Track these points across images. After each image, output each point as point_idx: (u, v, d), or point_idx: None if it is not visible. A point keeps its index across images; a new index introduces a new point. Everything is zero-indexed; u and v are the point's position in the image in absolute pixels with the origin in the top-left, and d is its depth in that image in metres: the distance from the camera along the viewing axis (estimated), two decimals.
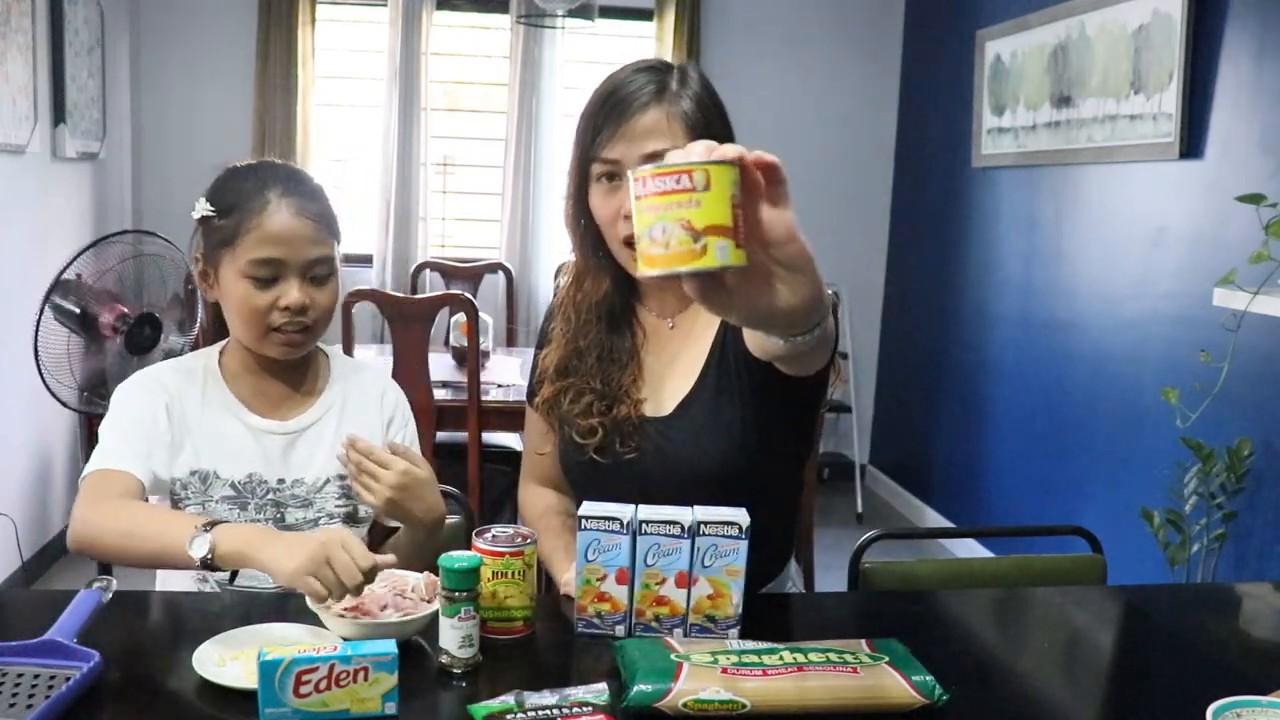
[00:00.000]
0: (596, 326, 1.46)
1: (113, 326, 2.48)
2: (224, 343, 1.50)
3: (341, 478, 1.46)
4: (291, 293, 1.37)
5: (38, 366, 2.48)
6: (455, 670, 1.15)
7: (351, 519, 1.49)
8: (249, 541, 1.20)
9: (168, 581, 1.47)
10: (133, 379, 1.46)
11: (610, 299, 1.47)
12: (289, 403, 1.48)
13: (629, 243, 1.33)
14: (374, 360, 3.35)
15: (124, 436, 1.38)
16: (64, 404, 2.52)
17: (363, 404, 1.53)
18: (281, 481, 1.44)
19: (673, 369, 1.44)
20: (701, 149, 0.90)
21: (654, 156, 1.31)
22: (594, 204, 1.38)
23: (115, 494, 1.32)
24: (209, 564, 1.19)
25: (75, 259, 2.47)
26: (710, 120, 1.36)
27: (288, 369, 1.48)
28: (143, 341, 2.48)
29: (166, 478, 1.40)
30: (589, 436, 1.42)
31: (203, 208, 1.41)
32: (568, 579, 1.33)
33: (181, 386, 1.44)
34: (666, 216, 0.87)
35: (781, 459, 1.45)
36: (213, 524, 1.21)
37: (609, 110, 1.34)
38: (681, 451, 1.38)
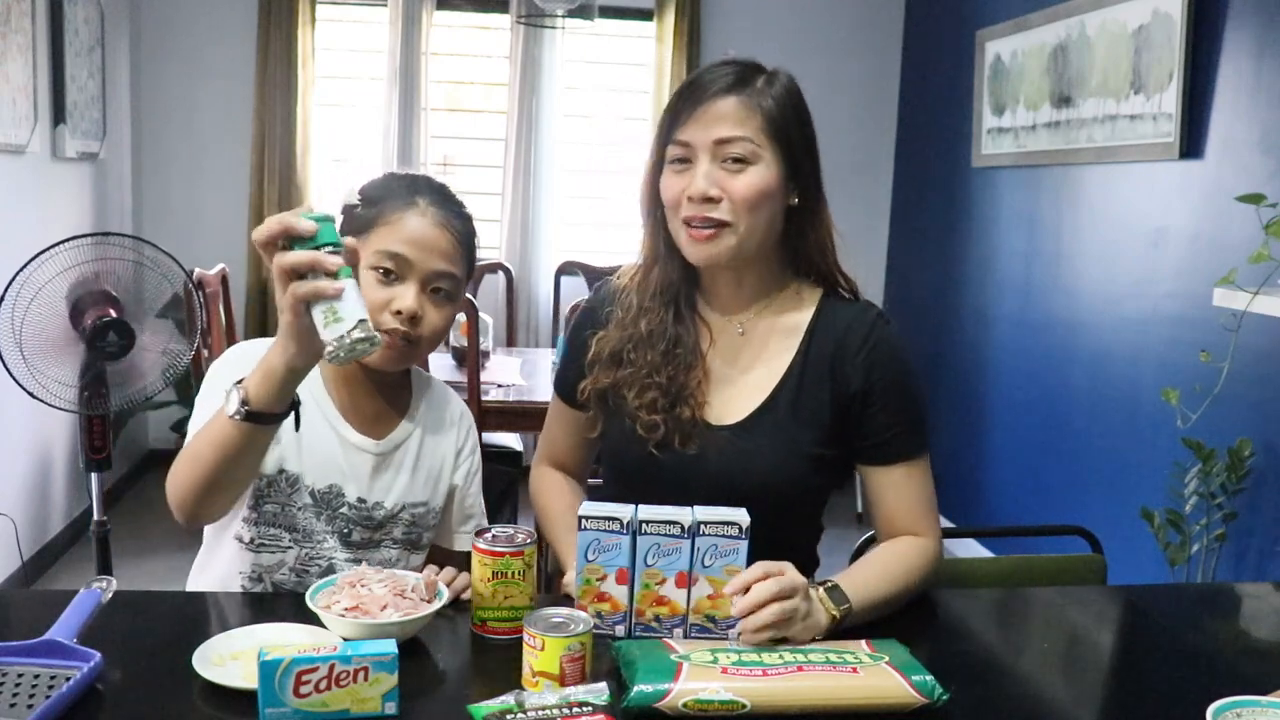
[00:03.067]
0: (663, 314, 1.44)
1: (86, 329, 2.43)
2: None
3: (414, 506, 1.45)
4: (408, 297, 1.34)
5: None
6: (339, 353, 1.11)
7: (413, 546, 1.47)
8: (263, 363, 1.17)
9: (200, 579, 1.46)
10: (240, 347, 1.41)
11: (678, 288, 1.45)
12: (381, 419, 1.44)
13: (689, 223, 1.35)
14: None
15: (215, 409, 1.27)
16: (48, 404, 2.51)
17: (442, 428, 1.50)
18: (362, 501, 1.41)
19: (744, 378, 1.43)
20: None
21: (725, 142, 1.33)
22: (663, 185, 1.38)
23: None
24: (255, 415, 1.16)
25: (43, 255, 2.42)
26: (789, 126, 1.35)
27: (384, 384, 1.44)
28: (107, 348, 2.44)
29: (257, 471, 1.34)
30: (651, 432, 1.40)
31: (352, 195, 1.40)
32: (568, 579, 1.33)
33: None
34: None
35: (831, 480, 1.47)
36: (238, 383, 1.18)
37: (688, 95, 1.36)
38: (751, 463, 1.38)
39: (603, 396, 1.46)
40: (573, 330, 1.56)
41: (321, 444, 1.39)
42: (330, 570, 1.41)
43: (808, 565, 1.54)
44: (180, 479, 1.25)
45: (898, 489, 1.41)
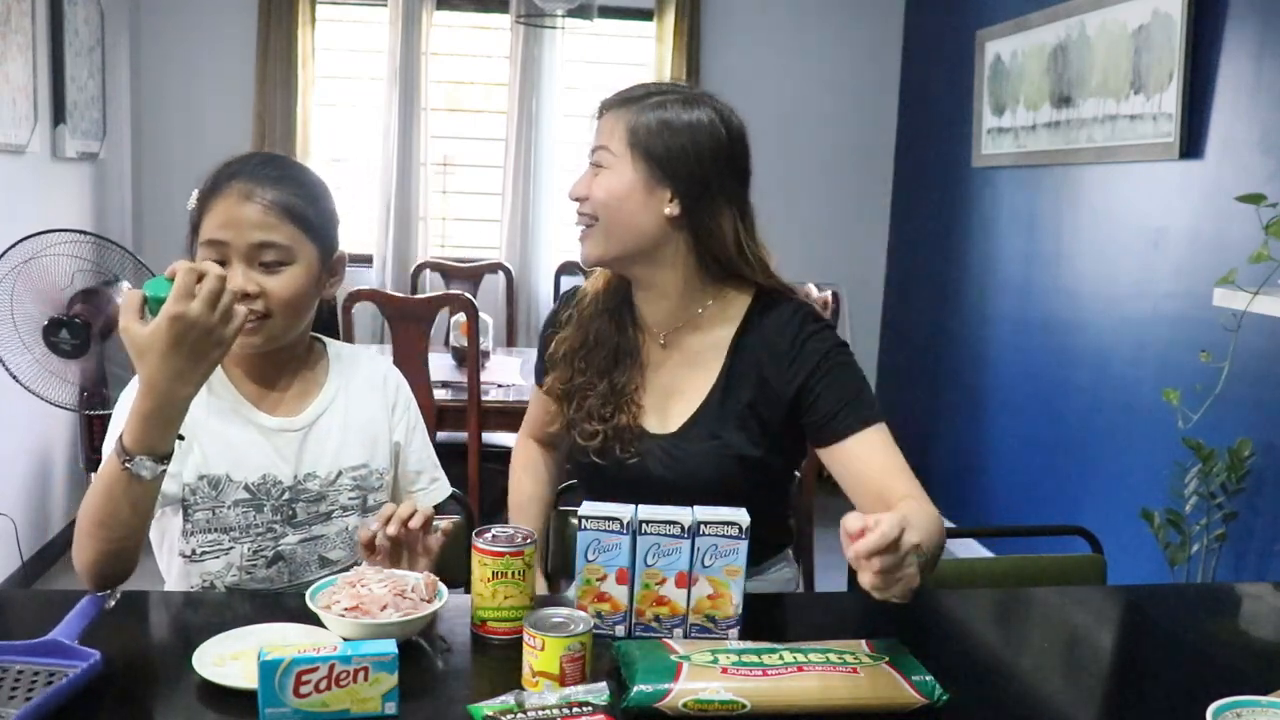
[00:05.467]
0: (600, 320, 1.53)
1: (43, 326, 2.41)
2: None
3: (352, 470, 1.46)
4: (235, 278, 1.33)
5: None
6: None
7: (364, 509, 1.48)
8: (136, 405, 1.20)
9: (169, 579, 1.46)
10: (132, 384, 1.44)
11: (621, 298, 1.54)
12: (294, 398, 1.46)
13: (580, 223, 1.47)
14: None
15: None
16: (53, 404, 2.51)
17: (366, 391, 1.52)
18: (296, 479, 1.43)
19: (674, 386, 1.50)
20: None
21: (593, 150, 1.47)
22: None
23: None
24: (134, 459, 1.19)
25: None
26: (656, 139, 1.42)
27: (285, 364, 1.46)
28: (59, 345, 2.43)
29: (177, 489, 1.37)
30: (590, 440, 1.49)
31: (192, 200, 1.42)
32: None
33: None
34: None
35: (778, 469, 1.53)
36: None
37: (597, 109, 1.51)
38: (688, 468, 1.45)
39: (559, 399, 1.56)
40: (543, 327, 1.65)
41: (242, 439, 1.41)
42: (280, 558, 1.42)
43: (770, 544, 1.58)
44: (79, 549, 1.27)
45: (862, 457, 1.40)
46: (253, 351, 1.40)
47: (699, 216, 1.44)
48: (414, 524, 1.32)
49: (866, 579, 1.05)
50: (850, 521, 1.06)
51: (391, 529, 1.31)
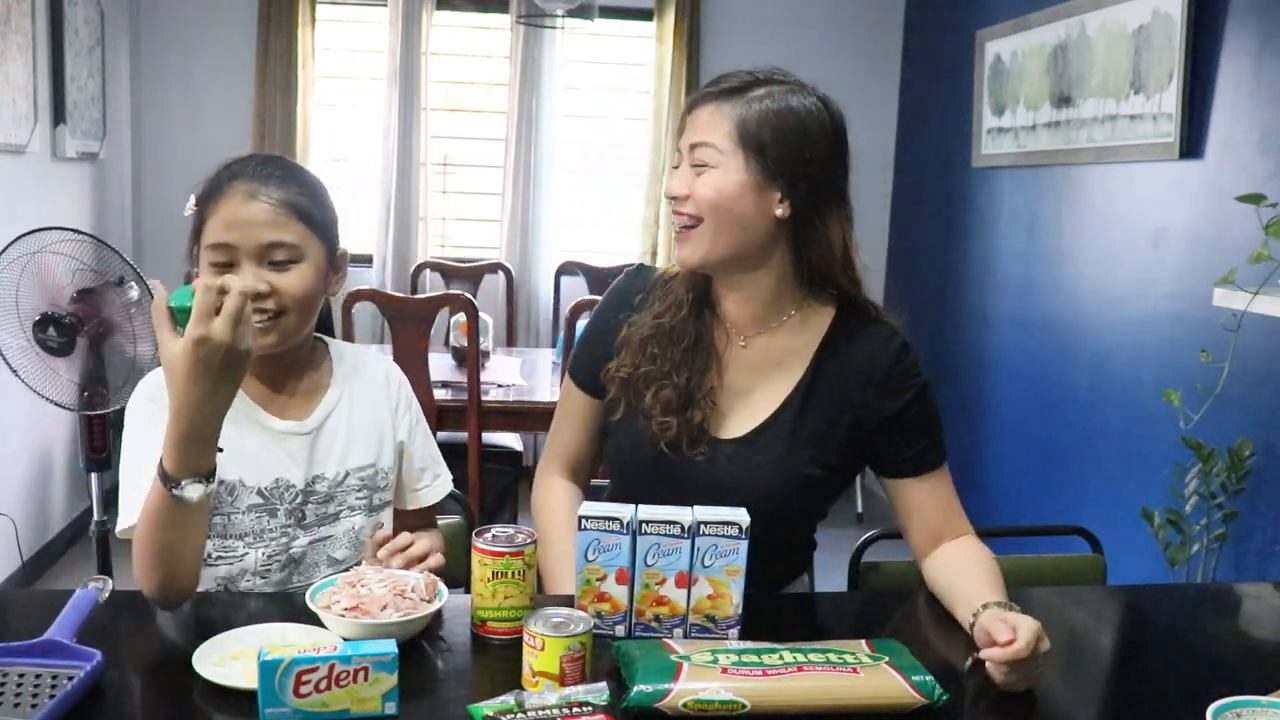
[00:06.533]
0: (688, 313, 1.46)
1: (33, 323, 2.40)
2: None
3: (361, 469, 1.46)
4: (244, 278, 1.32)
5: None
6: None
7: (372, 509, 1.48)
8: (170, 431, 1.20)
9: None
10: (135, 401, 1.41)
11: (703, 292, 1.48)
12: (301, 400, 1.46)
13: (675, 223, 1.41)
14: None
15: (146, 480, 1.27)
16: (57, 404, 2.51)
17: (370, 391, 1.51)
18: (306, 481, 1.43)
19: (751, 392, 1.46)
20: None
21: (695, 147, 1.39)
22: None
23: None
24: (180, 484, 1.19)
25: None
26: (765, 135, 1.36)
27: (292, 365, 1.45)
28: (46, 341, 2.42)
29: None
30: (663, 432, 1.42)
31: (190, 204, 1.41)
32: None
33: None
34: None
35: (829, 494, 1.50)
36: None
37: (689, 99, 1.45)
38: (752, 476, 1.41)
39: (625, 385, 1.47)
40: (601, 312, 1.55)
41: (253, 444, 1.40)
42: (293, 561, 1.42)
43: (797, 569, 1.58)
44: (143, 571, 1.26)
45: (934, 495, 1.45)
46: (265, 353, 1.39)
47: (808, 219, 1.40)
48: (398, 563, 1.34)
49: (1000, 678, 1.15)
50: (999, 632, 1.16)
51: (382, 554, 1.34)
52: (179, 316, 1.19)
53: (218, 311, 1.17)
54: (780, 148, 1.36)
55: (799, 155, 1.37)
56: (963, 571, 1.37)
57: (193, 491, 1.20)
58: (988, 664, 1.16)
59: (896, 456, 1.44)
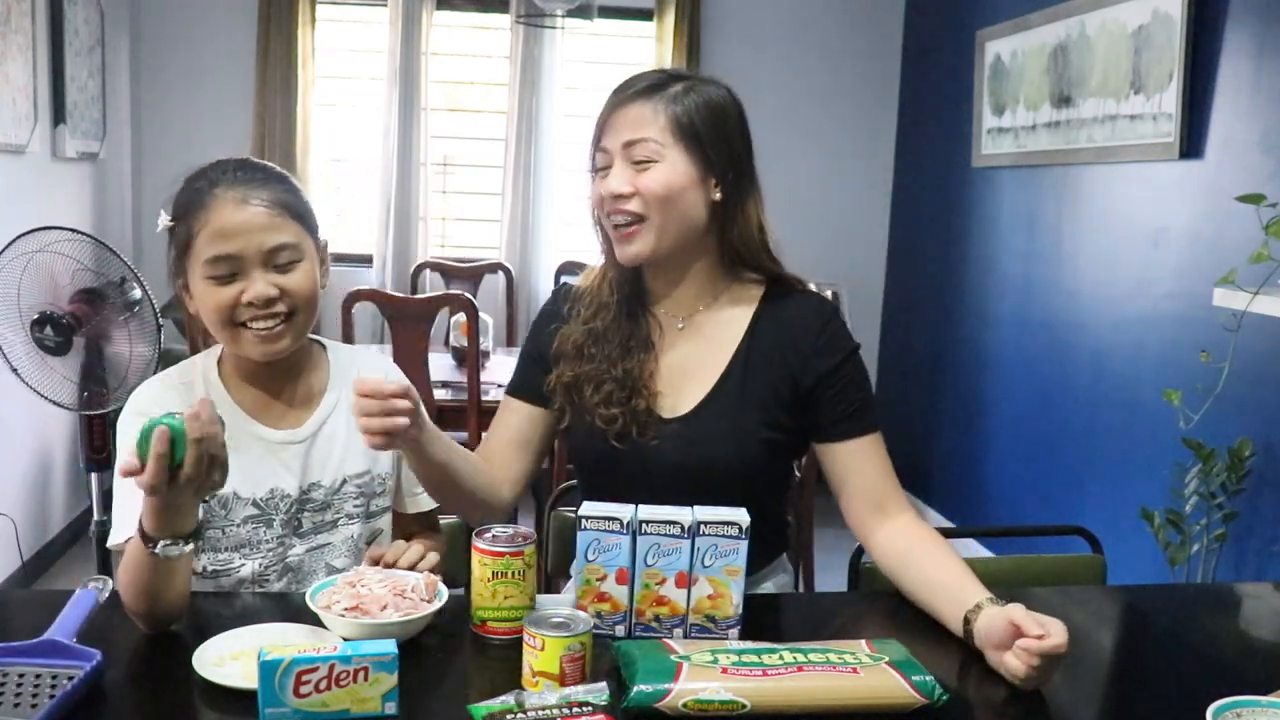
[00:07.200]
0: (617, 312, 1.50)
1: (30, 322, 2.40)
2: (219, 347, 1.44)
3: (358, 476, 1.45)
4: (255, 285, 1.32)
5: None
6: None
7: (369, 515, 1.47)
8: (145, 501, 1.16)
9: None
10: (127, 414, 1.38)
11: (629, 288, 1.51)
12: (296, 407, 1.44)
13: (614, 224, 1.43)
14: None
15: (135, 498, 1.23)
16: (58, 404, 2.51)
17: None
18: (301, 490, 1.41)
19: (688, 369, 1.48)
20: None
21: (631, 144, 1.41)
22: (591, 191, 1.46)
23: None
24: (158, 544, 1.16)
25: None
26: (699, 126, 1.41)
27: (288, 370, 1.43)
28: (43, 340, 2.41)
29: None
30: (610, 424, 1.45)
31: (164, 220, 1.38)
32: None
33: (185, 406, 1.36)
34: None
35: (784, 458, 1.53)
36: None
37: (606, 105, 1.46)
38: (704, 449, 1.43)
39: (568, 390, 1.50)
40: (534, 330, 1.59)
41: (248, 456, 1.38)
42: (290, 570, 1.42)
43: (775, 548, 1.59)
44: (130, 604, 1.23)
45: (869, 462, 1.46)
46: (276, 358, 1.37)
47: (735, 201, 1.44)
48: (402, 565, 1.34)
49: (1024, 672, 1.16)
50: (1029, 627, 1.16)
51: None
52: (139, 446, 1.11)
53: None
54: (712, 136, 1.41)
55: (727, 143, 1.42)
56: (936, 567, 1.37)
57: (172, 550, 1.16)
58: (1011, 657, 1.16)
59: (829, 418, 1.45)
